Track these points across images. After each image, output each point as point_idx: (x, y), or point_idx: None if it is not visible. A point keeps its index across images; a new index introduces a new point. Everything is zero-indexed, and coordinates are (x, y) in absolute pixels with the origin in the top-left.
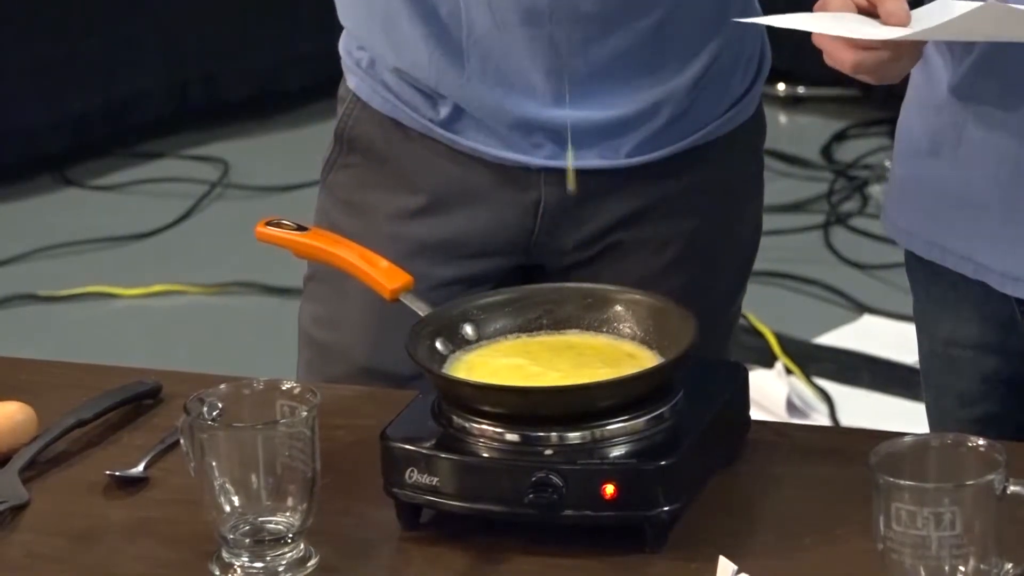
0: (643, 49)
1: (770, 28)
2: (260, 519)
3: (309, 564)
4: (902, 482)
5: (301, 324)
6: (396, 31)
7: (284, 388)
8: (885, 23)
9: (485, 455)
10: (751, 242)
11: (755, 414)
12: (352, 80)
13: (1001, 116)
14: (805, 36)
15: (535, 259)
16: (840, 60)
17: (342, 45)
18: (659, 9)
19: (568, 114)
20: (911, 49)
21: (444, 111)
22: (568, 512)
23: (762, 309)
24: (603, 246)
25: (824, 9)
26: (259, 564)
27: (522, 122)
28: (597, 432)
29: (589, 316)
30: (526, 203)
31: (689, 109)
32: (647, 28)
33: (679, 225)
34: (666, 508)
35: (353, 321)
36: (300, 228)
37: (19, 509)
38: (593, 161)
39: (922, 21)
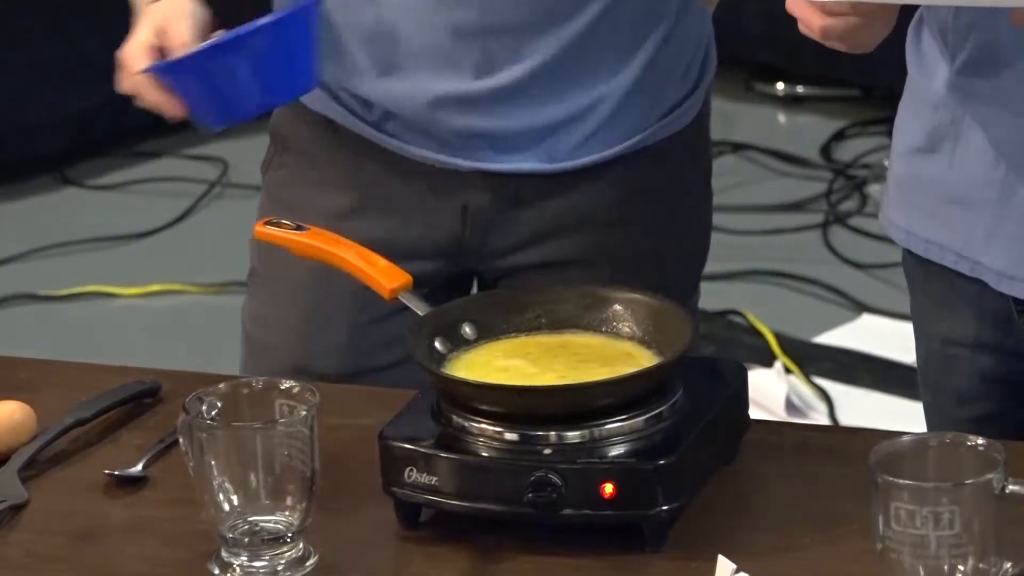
0: (574, 54)
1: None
2: (259, 518)
3: (308, 563)
4: (901, 481)
5: (242, 320)
6: (332, 38)
7: (283, 387)
8: None
9: (484, 454)
10: (698, 246)
11: (754, 413)
12: None
13: (997, 113)
14: (804, 36)
15: (467, 264)
16: (810, 26)
17: None
18: (588, 16)
19: (499, 119)
20: (883, 15)
21: (377, 112)
22: (567, 511)
23: (761, 308)
24: (541, 256)
25: None
26: (258, 563)
27: (453, 126)
28: (596, 431)
29: (588, 316)
30: (456, 206)
31: (623, 114)
32: (577, 34)
33: (618, 231)
34: (665, 507)
35: (282, 320)
36: (299, 228)
37: (18, 508)
38: (524, 164)
39: None
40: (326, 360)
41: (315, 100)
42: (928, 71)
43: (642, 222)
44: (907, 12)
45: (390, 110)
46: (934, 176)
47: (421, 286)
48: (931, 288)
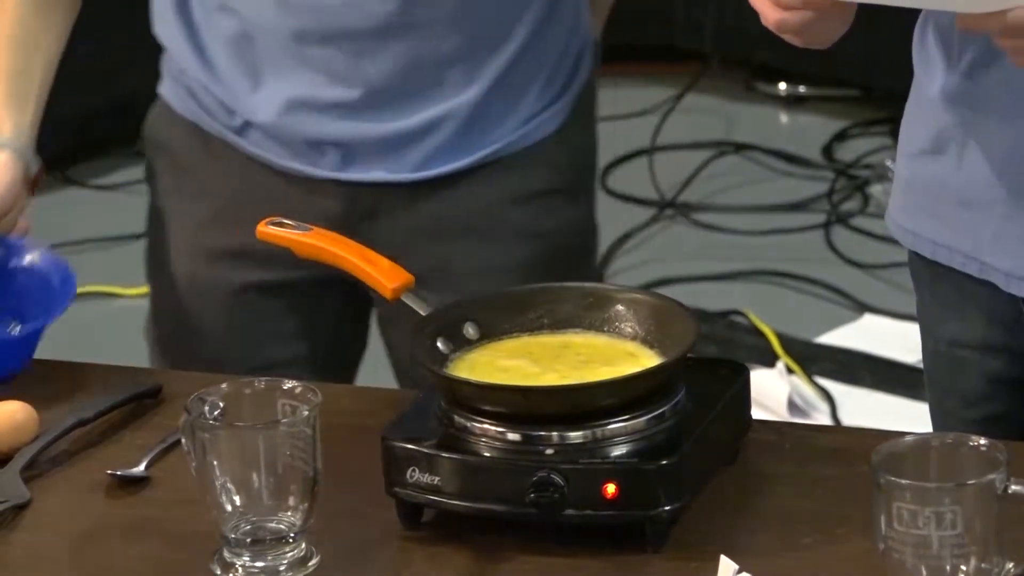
0: (423, 64)
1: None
2: (261, 519)
3: (310, 564)
4: (903, 481)
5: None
6: (199, 44)
7: (285, 388)
8: None
9: (486, 454)
10: (575, 250)
11: (756, 413)
12: (164, 83)
13: (1003, 115)
14: None
15: (329, 271)
16: (766, 19)
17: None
18: (434, 27)
19: (350, 128)
20: (837, 12)
21: (239, 119)
22: (569, 511)
23: (763, 308)
24: (405, 264)
25: None
26: (260, 564)
27: (305, 134)
28: (598, 431)
29: (590, 315)
30: (316, 214)
31: (476, 124)
32: (423, 47)
33: (476, 241)
34: (667, 507)
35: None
36: (301, 227)
37: (20, 508)
38: (378, 174)
39: None
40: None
41: (185, 105)
42: (933, 72)
43: (503, 231)
44: (909, 13)
45: (248, 118)
46: (941, 178)
47: (297, 289)
48: (938, 290)
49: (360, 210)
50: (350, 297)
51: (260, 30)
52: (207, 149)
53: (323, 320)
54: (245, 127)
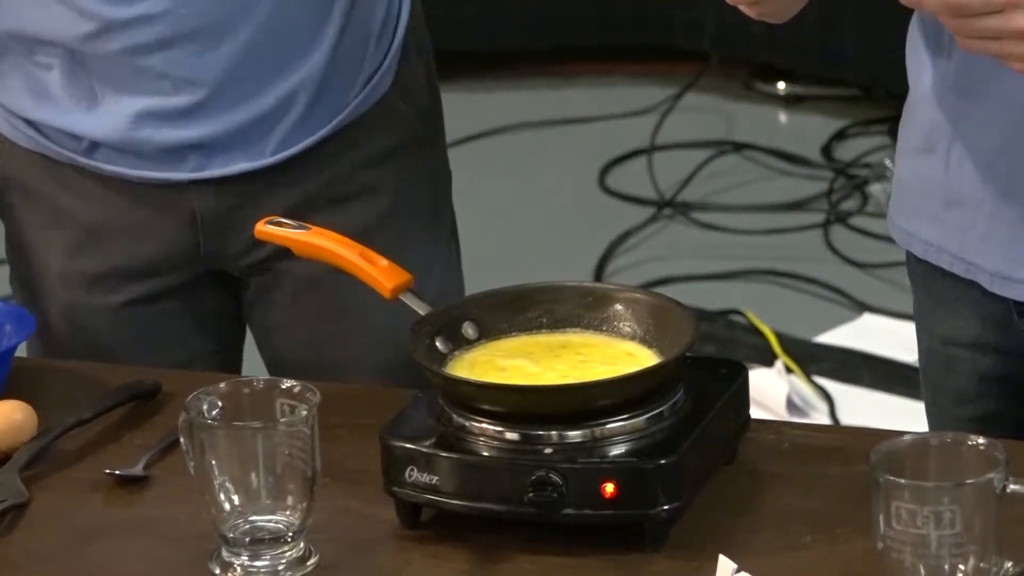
0: (262, 46)
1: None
2: (260, 518)
3: (309, 563)
4: (902, 481)
5: None
6: (32, 78)
7: (284, 387)
8: None
9: (485, 454)
10: (431, 202)
11: (755, 413)
12: (0, 122)
13: (989, 114)
14: (805, 36)
15: (214, 266)
16: None
17: None
18: (266, 8)
19: (202, 127)
20: None
21: (85, 142)
22: (568, 511)
23: (762, 308)
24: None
25: None
26: (259, 563)
27: (159, 142)
28: (597, 431)
29: (589, 315)
30: (183, 218)
31: (324, 93)
32: (259, 26)
33: (349, 208)
34: (666, 507)
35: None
36: (300, 227)
37: (19, 508)
38: (240, 165)
39: None
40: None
41: (28, 139)
42: (923, 72)
43: (368, 191)
44: (904, 18)
45: (95, 139)
46: (932, 177)
47: (174, 295)
48: (933, 289)
49: (230, 201)
50: (226, 291)
51: (87, 55)
52: (59, 177)
53: (208, 316)
54: (93, 147)
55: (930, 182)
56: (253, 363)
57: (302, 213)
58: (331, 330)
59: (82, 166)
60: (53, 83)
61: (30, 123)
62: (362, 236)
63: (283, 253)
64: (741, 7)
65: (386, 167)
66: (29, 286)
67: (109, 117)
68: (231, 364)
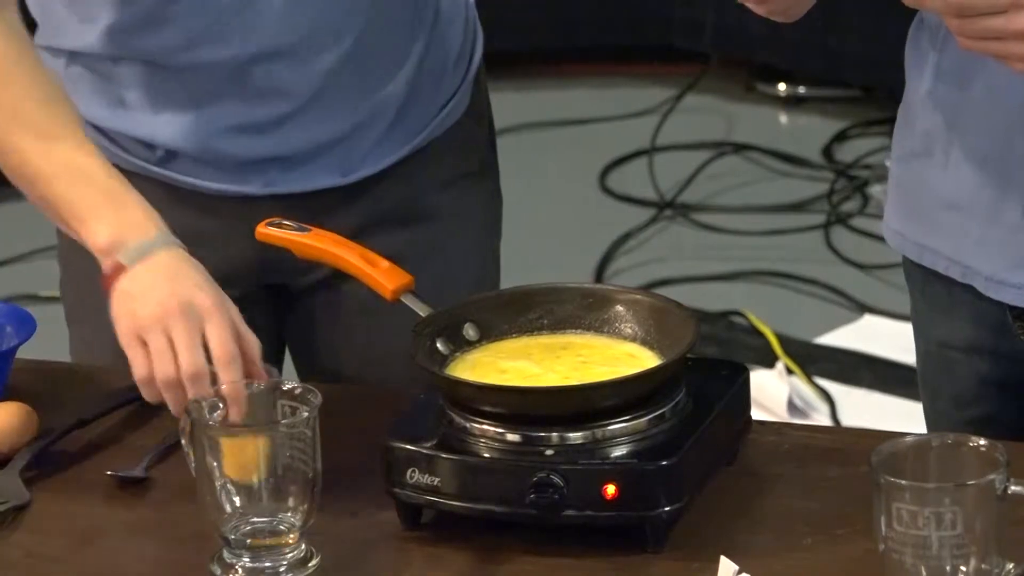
0: (352, 63)
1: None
2: (261, 519)
3: (310, 564)
4: (903, 482)
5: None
6: (109, 83)
7: (285, 389)
8: None
9: (486, 455)
10: (489, 226)
11: (756, 414)
12: None
13: (984, 118)
14: (806, 37)
15: (270, 282)
16: None
17: None
18: (356, 29)
19: (285, 142)
20: None
21: (159, 152)
22: (569, 512)
23: (763, 309)
24: None
25: None
26: (260, 564)
27: (239, 155)
28: (598, 432)
29: (590, 316)
30: (249, 231)
31: (405, 115)
32: (352, 42)
33: (414, 229)
34: (667, 508)
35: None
36: (301, 228)
37: (20, 509)
38: (313, 183)
39: None
40: None
41: (99, 148)
42: (921, 74)
43: (435, 214)
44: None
45: (172, 148)
46: (927, 180)
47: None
48: (929, 292)
49: (301, 217)
50: (276, 306)
51: (171, 67)
52: (130, 184)
53: (259, 330)
54: (169, 158)
55: (926, 186)
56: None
57: (367, 232)
58: (377, 353)
59: (152, 175)
60: (132, 92)
61: (100, 130)
62: (414, 261)
63: (342, 274)
64: (749, 5)
65: (452, 191)
66: (83, 291)
67: (191, 127)
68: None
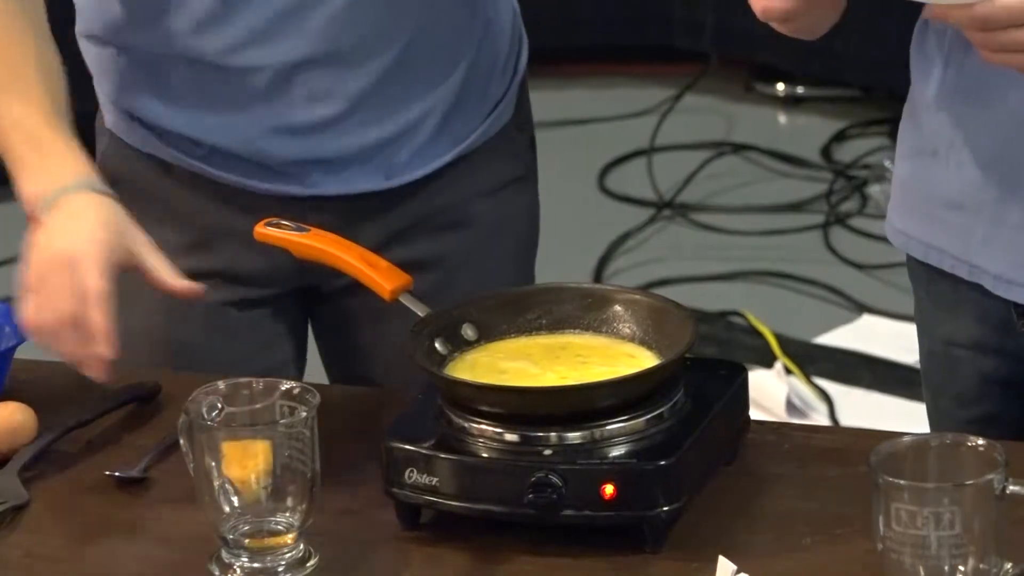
0: (398, 72)
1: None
2: (260, 519)
3: (309, 564)
4: (902, 482)
5: None
6: (156, 78)
7: (284, 388)
8: None
9: (485, 455)
10: (528, 235)
11: (755, 414)
12: (108, 118)
13: (993, 118)
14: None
15: (308, 282)
16: (754, 5)
17: (97, 84)
18: (408, 34)
19: (330, 145)
20: (824, 1)
21: (205, 148)
22: (568, 512)
23: (761, 309)
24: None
25: None
26: (259, 564)
27: (284, 156)
28: (597, 432)
29: (588, 316)
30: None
31: (451, 121)
32: (403, 47)
33: (454, 235)
34: (666, 508)
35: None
36: (299, 228)
37: (19, 509)
38: (358, 185)
39: None
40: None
41: (142, 141)
42: (929, 75)
43: (477, 221)
44: (908, 11)
45: (217, 146)
46: (934, 179)
47: (267, 305)
48: (934, 290)
49: (343, 219)
50: (307, 307)
51: (233, 59)
52: (172, 177)
53: (290, 330)
54: (213, 154)
55: (932, 185)
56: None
57: (406, 236)
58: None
59: (197, 171)
60: (181, 89)
61: (146, 125)
62: (452, 267)
63: None
64: (774, 25)
65: (493, 200)
66: (122, 282)
67: (235, 127)
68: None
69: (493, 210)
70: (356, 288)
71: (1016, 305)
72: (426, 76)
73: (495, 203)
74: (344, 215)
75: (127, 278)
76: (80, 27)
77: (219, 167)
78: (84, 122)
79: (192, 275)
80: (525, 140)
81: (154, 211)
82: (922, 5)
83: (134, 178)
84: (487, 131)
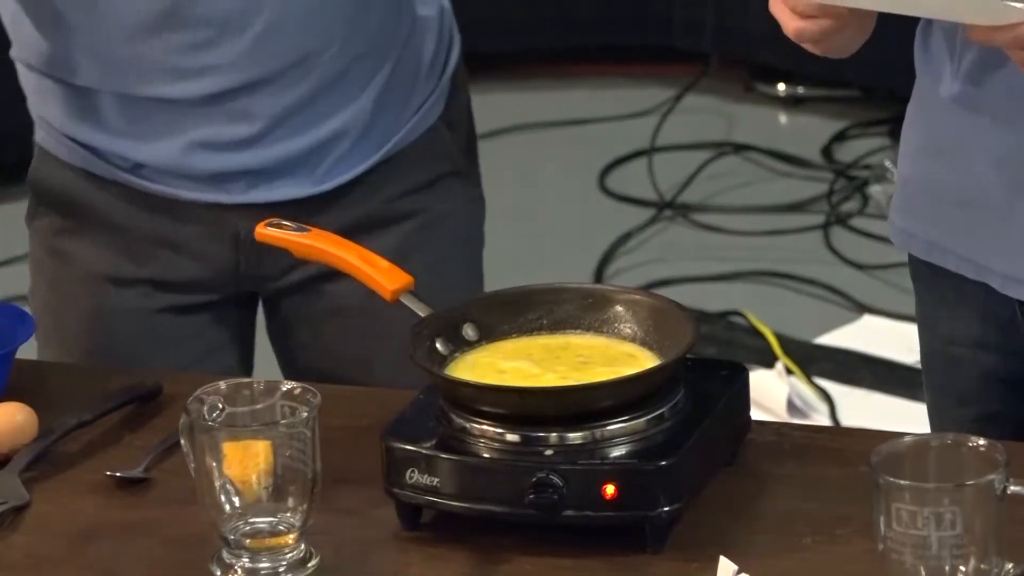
0: (321, 88)
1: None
2: (260, 520)
3: (309, 564)
4: (902, 482)
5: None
6: (86, 97)
7: (284, 389)
8: None
9: (485, 455)
10: (469, 232)
11: (755, 414)
12: (39, 133)
13: (1005, 116)
14: None
15: (246, 288)
16: (785, 28)
17: (29, 103)
18: (327, 56)
19: (255, 156)
20: (856, 20)
21: (131, 162)
22: (569, 512)
23: (762, 309)
24: (316, 268)
25: None
26: (259, 565)
27: (209, 169)
28: (597, 432)
29: (589, 316)
30: (226, 238)
31: (375, 125)
32: (321, 72)
33: (389, 236)
34: (667, 508)
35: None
36: (300, 229)
37: (20, 510)
38: (288, 192)
39: None
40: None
41: (71, 153)
42: (936, 74)
43: (408, 220)
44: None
45: (145, 162)
46: (941, 179)
47: (204, 311)
48: (936, 289)
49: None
50: (251, 312)
51: (157, 88)
52: (102, 190)
53: (231, 336)
54: (140, 167)
55: (938, 183)
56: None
57: (345, 237)
58: (361, 352)
59: (127, 183)
60: (104, 111)
61: (77, 142)
62: (399, 256)
63: (317, 277)
64: (806, 47)
65: (426, 195)
66: (57, 289)
67: (162, 146)
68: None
69: (425, 207)
70: (302, 289)
71: (1021, 303)
72: (350, 86)
73: (427, 200)
74: (278, 219)
75: (59, 289)
76: (14, 51)
77: (149, 179)
78: (20, 137)
79: (127, 285)
80: (458, 137)
81: (86, 223)
82: None
83: (65, 191)
84: (413, 130)
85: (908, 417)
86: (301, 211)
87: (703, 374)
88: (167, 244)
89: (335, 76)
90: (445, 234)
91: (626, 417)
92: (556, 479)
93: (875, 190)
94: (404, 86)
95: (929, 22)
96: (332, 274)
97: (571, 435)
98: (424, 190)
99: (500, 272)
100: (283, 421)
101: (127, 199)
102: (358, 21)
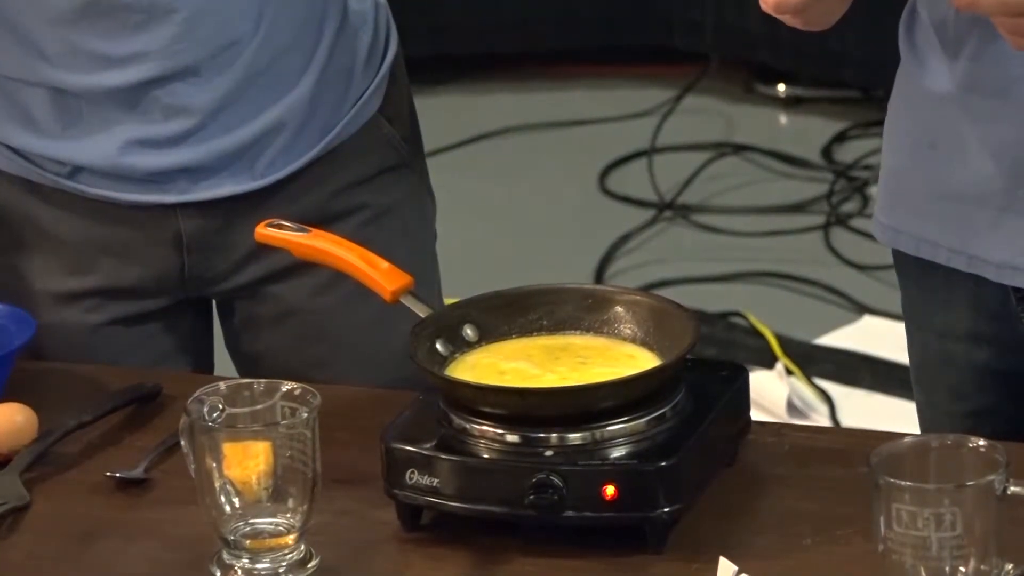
0: (253, 78)
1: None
2: (260, 520)
3: (310, 565)
4: (903, 483)
5: None
6: (17, 103)
7: (284, 389)
8: None
9: (486, 456)
10: (416, 225)
11: (755, 415)
12: None
13: (1001, 107)
14: (805, 38)
15: (195, 292)
16: (765, 1)
17: None
18: (253, 43)
19: (192, 153)
20: None
21: (68, 167)
22: (569, 513)
23: (762, 310)
24: (264, 269)
25: None
26: (259, 565)
27: (147, 168)
28: (598, 433)
29: (589, 317)
30: (168, 240)
31: (312, 118)
32: (251, 59)
33: (333, 228)
34: (667, 509)
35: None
36: (300, 229)
37: (20, 510)
38: (227, 188)
39: None
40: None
41: (9, 163)
42: (926, 65)
43: (353, 215)
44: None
45: (81, 165)
46: (931, 172)
47: (153, 319)
48: (926, 285)
49: (216, 223)
50: (204, 319)
51: (82, 82)
52: (43, 199)
53: (185, 343)
54: (77, 172)
55: (928, 177)
56: None
57: None
58: (316, 353)
59: (67, 189)
60: (37, 111)
61: (10, 147)
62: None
63: (266, 278)
64: (786, 21)
65: (368, 188)
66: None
67: (96, 145)
68: None
69: (369, 201)
70: (250, 292)
71: (1016, 290)
72: (281, 80)
73: (370, 193)
74: (219, 218)
75: (10, 296)
76: None
77: (86, 183)
78: None
79: (74, 297)
80: (399, 130)
81: (25, 235)
82: None
83: (7, 205)
84: (352, 123)
85: (908, 417)
86: (242, 208)
87: (703, 375)
88: (110, 251)
89: (264, 66)
90: (392, 228)
91: (626, 418)
92: (556, 480)
93: (875, 190)
94: (340, 79)
95: (914, 11)
96: (278, 275)
97: (571, 436)
98: (366, 183)
99: (500, 273)
100: (283, 422)
101: (68, 207)
102: (283, 9)
